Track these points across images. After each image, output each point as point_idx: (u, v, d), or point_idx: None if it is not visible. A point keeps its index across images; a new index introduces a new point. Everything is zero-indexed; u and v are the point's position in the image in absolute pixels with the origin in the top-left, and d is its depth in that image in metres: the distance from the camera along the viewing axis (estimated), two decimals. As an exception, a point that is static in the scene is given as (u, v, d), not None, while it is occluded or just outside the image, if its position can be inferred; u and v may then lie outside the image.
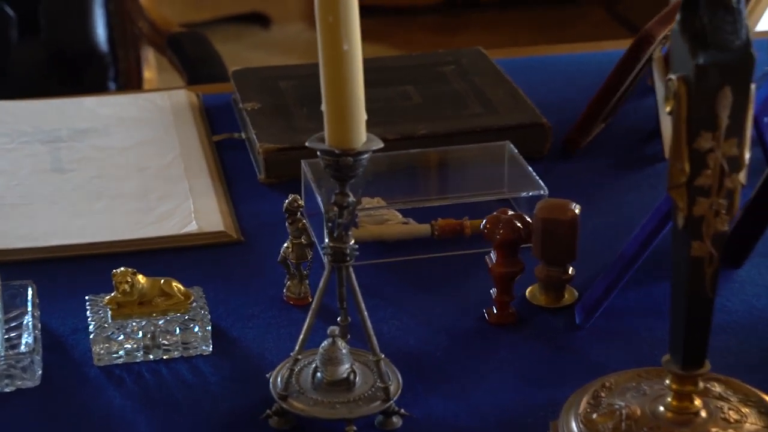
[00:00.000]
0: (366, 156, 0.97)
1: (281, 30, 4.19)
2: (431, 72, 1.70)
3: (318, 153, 0.97)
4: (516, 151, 1.42)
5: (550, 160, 1.52)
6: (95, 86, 2.13)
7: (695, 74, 0.84)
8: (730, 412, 0.97)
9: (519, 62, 1.81)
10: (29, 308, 1.15)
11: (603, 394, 1.00)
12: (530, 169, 1.39)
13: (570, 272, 1.20)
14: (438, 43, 3.80)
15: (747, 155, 0.88)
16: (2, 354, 1.09)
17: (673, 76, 0.86)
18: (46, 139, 1.56)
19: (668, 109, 0.87)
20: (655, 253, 1.17)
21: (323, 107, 0.95)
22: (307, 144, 0.99)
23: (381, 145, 0.97)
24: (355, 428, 1.00)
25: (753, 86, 0.86)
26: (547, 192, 1.32)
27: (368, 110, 0.97)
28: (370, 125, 0.98)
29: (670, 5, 1.20)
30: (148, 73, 2.19)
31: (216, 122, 1.65)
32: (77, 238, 1.33)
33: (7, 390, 1.07)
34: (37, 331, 1.12)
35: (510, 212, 1.18)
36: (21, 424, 1.04)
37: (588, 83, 1.59)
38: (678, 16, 0.85)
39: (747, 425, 0.96)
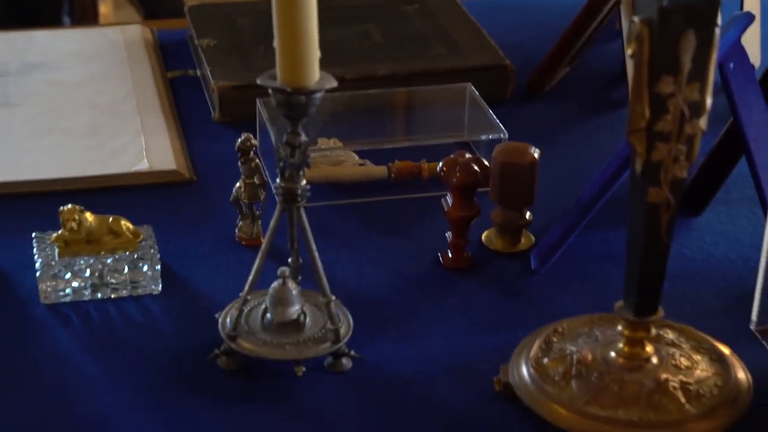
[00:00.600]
0: (318, 95, 0.96)
1: None
2: (394, 11, 1.69)
3: (269, 91, 0.97)
4: (477, 93, 1.43)
5: (513, 104, 1.52)
6: (50, 21, 2.12)
7: (659, 16, 0.84)
8: (682, 359, 0.99)
9: (485, 3, 1.80)
10: None
11: (555, 339, 1.02)
12: (491, 112, 1.39)
13: (527, 217, 1.20)
14: None
15: (709, 101, 0.88)
16: None
17: (636, 18, 0.86)
18: (2, 72, 1.56)
19: (630, 52, 0.87)
20: (614, 199, 1.18)
21: (275, 43, 0.94)
22: (258, 81, 0.98)
23: (334, 84, 0.96)
24: (303, 369, 1.01)
25: (717, 31, 0.86)
26: (506, 135, 1.33)
27: (327, 49, 0.96)
28: (329, 65, 0.97)
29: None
30: (104, 8, 2.18)
31: (171, 59, 1.64)
32: (25, 175, 1.33)
33: None
34: None
35: (468, 155, 1.18)
36: None
37: (555, 26, 1.60)
38: None
39: (698, 372, 0.98)
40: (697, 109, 0.87)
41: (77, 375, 1.03)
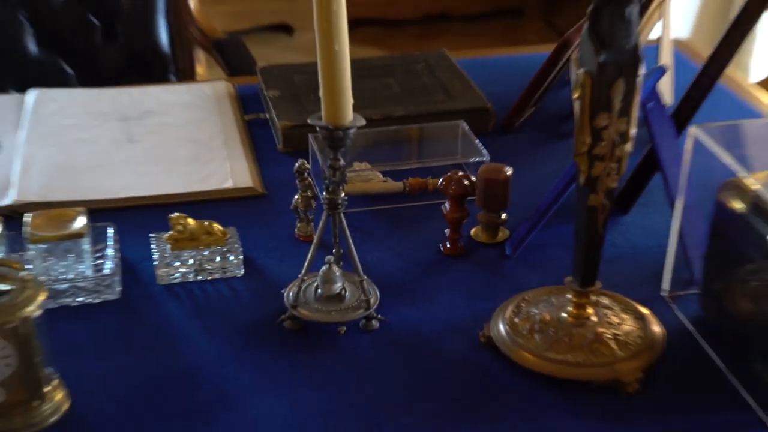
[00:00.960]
0: (352, 131, 0.99)
1: (301, 36, 4.17)
2: (407, 68, 1.69)
3: (317, 128, 1.00)
4: (467, 128, 1.45)
5: (492, 135, 1.52)
6: (159, 79, 2.13)
7: (597, 69, 0.88)
8: (613, 318, 1.03)
9: (474, 62, 1.78)
10: (110, 243, 1.18)
11: (523, 305, 1.06)
12: (477, 141, 1.41)
13: (503, 217, 1.24)
14: (418, 46, 3.81)
15: (633, 131, 0.92)
16: (92, 275, 1.13)
17: (580, 71, 0.90)
18: (121, 117, 1.56)
19: (576, 95, 0.90)
20: (565, 204, 1.19)
21: (320, 93, 0.98)
22: (309, 121, 1.02)
23: (363, 122, 1.00)
24: (344, 329, 1.05)
25: (640, 79, 0.90)
26: (488, 158, 1.34)
27: (358, 97, 0.99)
28: (360, 108, 1.00)
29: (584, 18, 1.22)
30: (200, 69, 2.17)
31: (247, 106, 1.64)
32: (144, 192, 1.36)
33: (96, 302, 1.12)
34: (116, 260, 1.16)
35: (460, 173, 1.21)
36: (105, 327, 1.08)
37: (524, 78, 1.58)
38: (586, 25, 0.89)
39: (625, 327, 1.02)
40: (624, 137, 0.91)
41: (183, 336, 1.08)
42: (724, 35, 1.23)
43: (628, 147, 0.92)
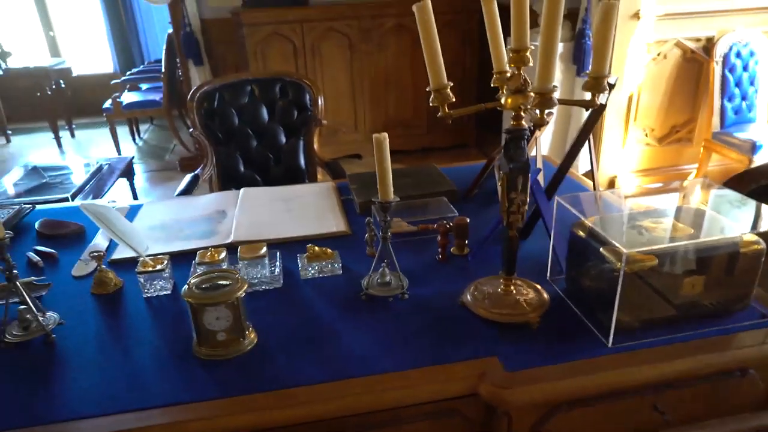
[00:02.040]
0: (393, 202, 1.00)
1: (366, 160, 4.34)
2: (416, 173, 1.60)
3: (375, 202, 1.02)
4: (446, 200, 1.44)
5: (459, 203, 1.45)
6: (301, 182, 2.12)
7: (509, 172, 0.89)
8: (523, 290, 1.03)
9: (448, 168, 1.62)
10: (277, 260, 1.18)
11: (479, 285, 1.06)
12: (452, 206, 1.39)
13: (466, 242, 1.22)
14: (419, 162, 4.13)
15: (527, 200, 0.92)
16: (268, 275, 1.13)
17: (501, 172, 0.91)
18: (283, 199, 1.53)
19: (499, 183, 0.92)
20: (496, 234, 1.20)
21: (378, 185, 0.99)
22: (372, 199, 1.05)
23: (397, 199, 1.01)
24: (390, 299, 1.05)
25: (530, 175, 0.91)
26: (457, 214, 1.32)
27: (395, 186, 1.00)
28: (395, 192, 1.01)
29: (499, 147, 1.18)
30: (320, 176, 2.22)
31: (343, 192, 1.56)
32: (294, 234, 1.32)
33: (270, 288, 1.12)
34: (280, 268, 1.16)
35: (444, 222, 1.21)
36: (275, 300, 1.08)
37: (471, 175, 1.54)
38: (502, 150, 0.90)
39: (529, 294, 1.02)
40: (524, 202, 0.92)
41: (313, 303, 1.06)
42: (569, 150, 1.23)
43: (525, 206, 0.94)
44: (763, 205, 0.99)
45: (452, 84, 0.86)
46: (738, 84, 3.29)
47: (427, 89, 0.86)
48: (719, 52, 3.22)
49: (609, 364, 0.87)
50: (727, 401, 0.96)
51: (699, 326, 0.94)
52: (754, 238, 0.92)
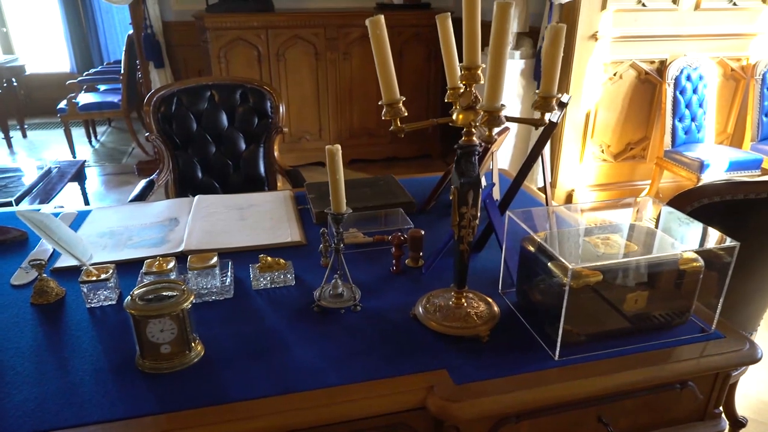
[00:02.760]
0: (345, 215, 1.00)
1: None
2: (374, 183, 1.62)
3: (329, 213, 1.01)
4: (403, 211, 1.43)
5: (415, 215, 1.48)
6: (259, 189, 2.09)
7: (460, 186, 0.90)
8: (474, 303, 1.03)
9: (407, 180, 1.68)
10: (229, 270, 1.16)
11: (431, 298, 1.06)
12: (408, 218, 1.39)
13: (421, 254, 1.23)
14: (381, 172, 3.94)
15: (478, 214, 0.93)
16: (219, 285, 1.10)
17: (452, 187, 0.91)
18: (238, 207, 1.52)
19: (452, 197, 0.92)
20: (449, 248, 1.21)
21: (330, 197, 0.99)
22: (326, 210, 1.03)
23: (350, 211, 1.01)
24: (342, 311, 1.05)
25: (481, 190, 0.92)
26: (413, 226, 1.34)
27: (349, 197, 1.02)
28: (350, 202, 1.02)
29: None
30: (279, 184, 2.20)
31: (300, 202, 1.56)
32: (247, 243, 1.31)
33: (220, 299, 1.10)
34: (231, 278, 1.14)
35: (399, 234, 1.20)
36: (224, 311, 1.06)
37: (429, 187, 1.56)
38: (455, 165, 0.90)
39: (480, 307, 1.02)
40: (474, 217, 0.93)
41: (264, 315, 1.04)
42: (522, 166, 1.26)
43: (476, 221, 0.94)
44: (705, 226, 1.02)
45: (417, 97, 0.87)
46: (688, 105, 3.45)
47: (379, 103, 0.86)
48: (671, 74, 3.37)
49: (555, 377, 0.88)
50: (669, 412, 0.99)
51: (643, 340, 0.96)
52: (693, 255, 0.96)
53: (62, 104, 4.63)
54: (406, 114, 0.86)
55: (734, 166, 3.16)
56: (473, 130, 0.85)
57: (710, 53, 3.46)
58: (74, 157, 4.76)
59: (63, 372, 0.89)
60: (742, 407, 1.66)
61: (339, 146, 0.95)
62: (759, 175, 3.22)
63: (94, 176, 4.41)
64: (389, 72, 0.82)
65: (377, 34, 0.77)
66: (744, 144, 3.58)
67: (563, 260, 0.87)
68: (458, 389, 0.85)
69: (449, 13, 0.87)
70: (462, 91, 0.84)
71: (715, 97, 3.54)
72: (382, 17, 0.78)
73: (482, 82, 0.82)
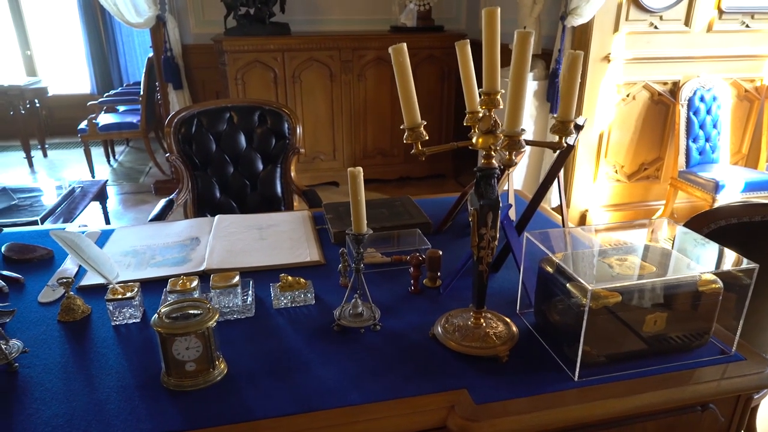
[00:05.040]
0: (366, 235, 1.01)
1: (343, 188, 4.36)
2: (392, 204, 1.63)
3: (349, 234, 1.02)
4: (420, 232, 1.44)
5: (432, 235, 1.49)
6: (277, 209, 2.11)
7: (479, 208, 0.90)
8: (493, 323, 1.04)
9: (423, 200, 1.71)
10: (250, 289, 1.17)
11: (450, 318, 1.06)
12: (425, 238, 1.40)
13: (438, 274, 1.23)
14: (396, 193, 4.01)
15: (497, 236, 0.93)
16: (240, 304, 1.12)
17: (472, 209, 0.92)
18: (258, 227, 1.53)
19: (471, 218, 0.93)
20: (468, 268, 1.22)
21: (351, 216, 1.00)
22: (346, 231, 1.05)
23: (371, 231, 1.02)
24: (362, 330, 1.06)
25: (500, 212, 0.92)
26: (431, 246, 1.34)
27: (369, 218, 1.03)
28: (370, 223, 1.04)
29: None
30: (296, 204, 2.23)
31: (318, 222, 1.58)
32: (267, 263, 1.32)
33: (242, 317, 1.11)
34: (253, 297, 1.15)
35: (417, 254, 1.21)
36: (246, 329, 1.07)
37: (445, 207, 1.57)
38: (473, 187, 0.92)
39: (499, 327, 1.02)
40: (494, 238, 0.93)
41: (284, 333, 1.05)
42: (539, 188, 1.27)
43: (496, 242, 0.95)
44: (722, 247, 1.02)
45: (430, 118, 0.89)
46: (702, 126, 3.44)
47: (401, 127, 0.88)
48: (684, 95, 3.38)
49: (575, 398, 0.88)
50: (689, 436, 1.00)
51: (663, 361, 0.96)
52: (712, 277, 0.96)
53: (83, 124, 4.73)
54: (427, 138, 0.88)
55: (750, 186, 3.14)
56: (493, 153, 0.86)
57: (723, 74, 3.46)
58: (93, 176, 4.85)
59: (90, 389, 0.91)
60: (763, 430, 1.66)
61: (361, 168, 0.97)
62: (775, 196, 3.23)
63: (112, 195, 4.48)
64: (411, 97, 0.84)
65: (400, 62, 0.80)
66: (759, 164, 3.56)
67: (582, 281, 0.88)
68: (479, 409, 0.85)
69: (467, 41, 0.90)
70: (481, 115, 0.87)
71: (729, 117, 3.53)
72: (404, 45, 0.81)
73: (501, 107, 0.85)
